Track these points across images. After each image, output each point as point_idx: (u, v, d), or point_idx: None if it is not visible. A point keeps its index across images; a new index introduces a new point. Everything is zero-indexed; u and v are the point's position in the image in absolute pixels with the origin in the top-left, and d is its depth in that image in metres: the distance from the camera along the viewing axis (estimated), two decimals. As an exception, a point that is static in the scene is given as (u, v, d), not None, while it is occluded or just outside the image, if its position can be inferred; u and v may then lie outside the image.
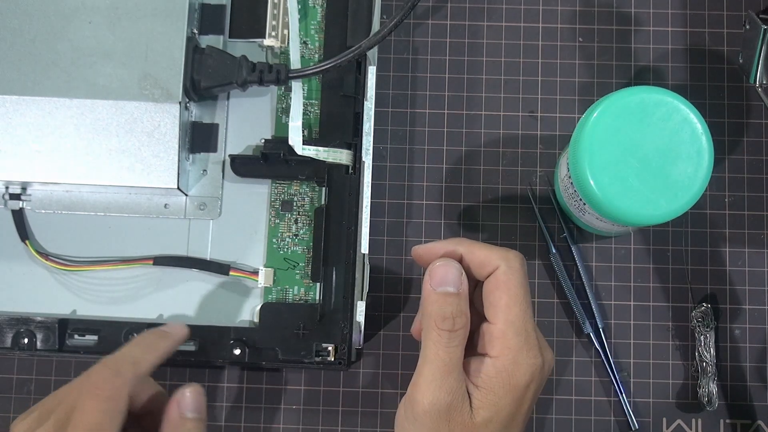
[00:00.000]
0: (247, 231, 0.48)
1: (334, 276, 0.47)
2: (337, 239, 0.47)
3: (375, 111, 0.49)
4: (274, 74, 0.46)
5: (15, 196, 0.48)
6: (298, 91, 0.48)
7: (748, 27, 0.47)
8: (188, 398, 0.40)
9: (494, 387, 0.38)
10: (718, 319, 0.49)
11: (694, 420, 0.49)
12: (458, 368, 0.38)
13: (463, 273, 0.40)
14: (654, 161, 0.41)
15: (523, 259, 0.40)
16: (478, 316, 0.40)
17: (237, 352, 0.46)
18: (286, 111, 0.49)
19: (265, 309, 0.47)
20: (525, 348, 0.38)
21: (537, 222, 0.50)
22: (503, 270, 0.39)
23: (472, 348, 0.40)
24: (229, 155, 0.48)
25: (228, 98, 0.49)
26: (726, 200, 0.50)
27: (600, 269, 0.50)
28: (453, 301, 0.39)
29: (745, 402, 0.49)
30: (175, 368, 0.49)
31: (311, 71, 0.47)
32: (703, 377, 0.48)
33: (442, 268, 0.39)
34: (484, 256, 0.39)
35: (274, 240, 0.48)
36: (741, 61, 0.48)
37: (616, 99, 0.42)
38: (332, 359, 0.46)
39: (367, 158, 0.47)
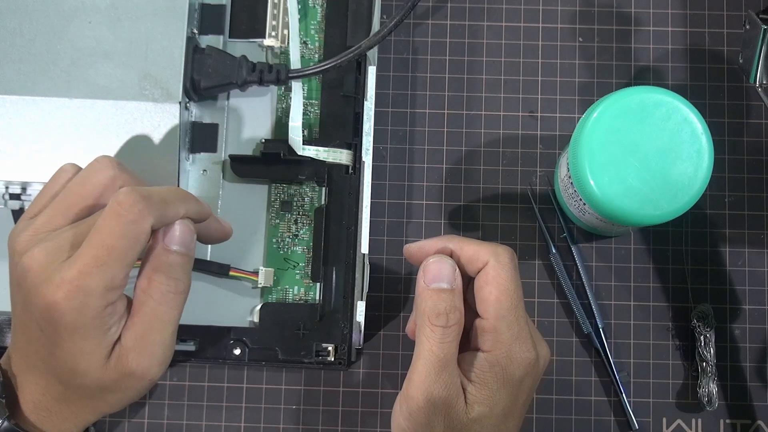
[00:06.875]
0: (247, 231, 0.48)
1: (334, 276, 0.47)
2: (337, 239, 0.47)
3: (375, 111, 0.49)
4: (274, 74, 0.46)
5: (15, 196, 0.48)
6: (298, 91, 0.48)
7: (748, 27, 0.47)
8: (175, 231, 0.39)
9: (488, 381, 0.38)
10: (718, 319, 0.49)
11: (694, 420, 0.49)
12: (452, 364, 0.38)
13: (457, 269, 0.39)
14: (654, 161, 0.41)
15: (512, 253, 0.39)
16: (472, 313, 0.40)
17: (237, 352, 0.46)
18: (286, 111, 0.49)
19: (265, 309, 0.47)
20: (518, 342, 0.38)
21: (537, 222, 0.50)
22: (492, 265, 0.39)
23: (467, 344, 0.40)
24: (229, 155, 0.48)
25: (228, 98, 0.49)
26: (726, 200, 0.50)
27: (600, 269, 0.50)
28: (446, 297, 0.39)
29: (745, 402, 0.49)
30: (175, 368, 0.49)
31: (311, 71, 0.47)
32: (703, 377, 0.48)
33: (435, 265, 0.39)
34: (473, 251, 0.39)
35: (274, 240, 0.48)
36: (741, 61, 0.48)
37: (616, 99, 0.42)
38: (332, 359, 0.46)
39: (367, 158, 0.47)
